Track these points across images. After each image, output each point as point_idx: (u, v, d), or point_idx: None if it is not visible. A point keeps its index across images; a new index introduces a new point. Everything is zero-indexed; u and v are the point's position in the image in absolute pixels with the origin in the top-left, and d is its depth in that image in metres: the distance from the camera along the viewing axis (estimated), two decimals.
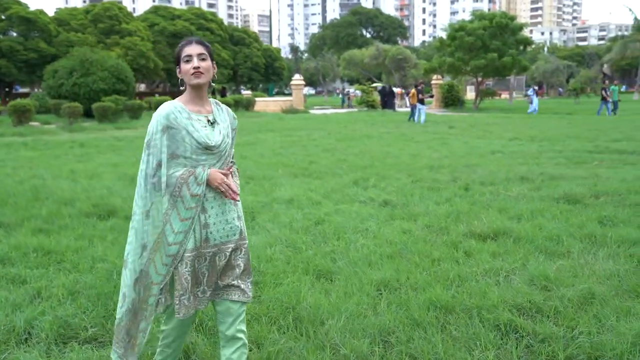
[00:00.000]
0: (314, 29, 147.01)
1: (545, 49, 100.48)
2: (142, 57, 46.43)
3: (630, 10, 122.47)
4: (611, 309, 3.98)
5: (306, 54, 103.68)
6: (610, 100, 30.99)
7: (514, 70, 39.62)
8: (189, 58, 2.81)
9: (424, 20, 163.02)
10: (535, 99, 34.94)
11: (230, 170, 2.93)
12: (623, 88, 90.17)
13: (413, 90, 27.46)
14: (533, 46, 45.09)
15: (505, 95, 56.75)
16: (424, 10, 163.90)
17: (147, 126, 2.82)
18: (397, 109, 39.63)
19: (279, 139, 17.60)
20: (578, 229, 6.20)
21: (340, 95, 55.19)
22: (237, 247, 2.93)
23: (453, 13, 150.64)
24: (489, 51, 37.19)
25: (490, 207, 7.46)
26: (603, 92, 31.76)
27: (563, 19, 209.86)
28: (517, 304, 4.10)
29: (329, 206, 7.63)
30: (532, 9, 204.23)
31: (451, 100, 40.81)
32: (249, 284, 2.95)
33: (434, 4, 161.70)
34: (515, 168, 10.75)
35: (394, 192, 8.59)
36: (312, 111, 38.62)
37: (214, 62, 2.92)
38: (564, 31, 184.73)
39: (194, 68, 2.79)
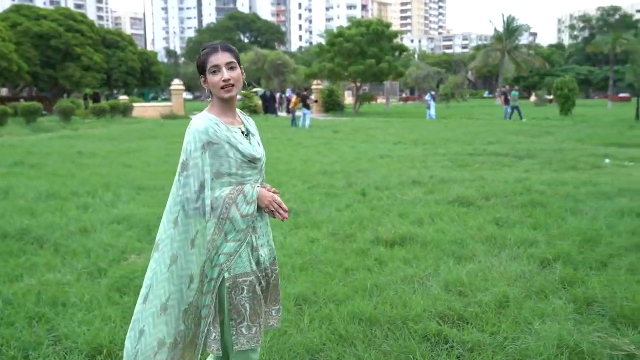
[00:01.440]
0: (190, 33, 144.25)
1: (416, 55, 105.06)
2: (3, 59, 43.18)
3: (490, 21, 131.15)
4: (527, 311, 4.07)
5: (183, 59, 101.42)
6: (511, 105, 31.72)
7: (390, 75, 40.96)
8: (216, 69, 2.52)
9: (300, 26, 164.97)
10: (433, 105, 35.04)
11: (272, 189, 2.71)
12: (485, 94, 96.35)
13: (295, 96, 27.58)
14: (405, 53, 46.72)
15: (381, 100, 58.58)
16: (300, 16, 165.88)
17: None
18: (279, 113, 39.72)
19: (163, 146, 16.93)
20: (478, 231, 6.38)
21: None
22: (276, 268, 2.79)
23: (328, 19, 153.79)
24: (366, 57, 38.20)
25: (390, 211, 7.53)
26: (504, 97, 33.14)
27: (430, 28, 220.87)
28: (440, 312, 4.08)
29: None
30: (402, 18, 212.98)
31: (331, 105, 41.46)
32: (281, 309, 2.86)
33: (310, 11, 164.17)
34: (405, 172, 10.99)
35: (293, 199, 8.46)
36: (192, 116, 37.68)
37: (241, 66, 2.62)
38: (431, 39, 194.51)
39: (224, 81, 2.51)
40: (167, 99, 45.72)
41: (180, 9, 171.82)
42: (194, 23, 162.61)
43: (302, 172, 11.23)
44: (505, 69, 63.24)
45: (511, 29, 64.74)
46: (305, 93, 26.77)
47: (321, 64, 40.43)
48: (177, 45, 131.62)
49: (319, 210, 7.64)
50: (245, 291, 2.54)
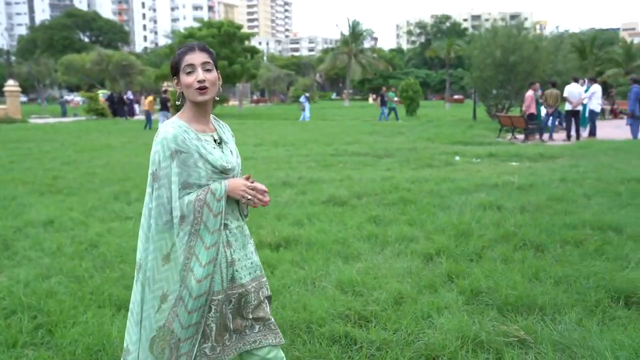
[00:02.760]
0: (21, 30, 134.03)
1: (265, 57, 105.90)
2: None
3: (337, 25, 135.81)
4: (423, 306, 4.18)
5: (14, 57, 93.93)
6: (388, 106, 32.15)
7: (243, 77, 40.85)
8: (191, 69, 2.34)
9: (144, 26, 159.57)
10: (308, 106, 34.74)
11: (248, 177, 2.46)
12: (333, 95, 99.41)
13: (150, 98, 26.57)
14: (257, 55, 46.90)
15: (233, 102, 58.24)
16: (144, 15, 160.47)
17: None
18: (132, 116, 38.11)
19: (4, 152, 15.51)
20: (358, 230, 6.49)
21: (60, 104, 50.92)
22: (260, 286, 2.53)
23: (174, 20, 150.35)
24: (219, 59, 37.64)
25: (267, 214, 7.44)
26: (380, 98, 33.59)
27: (277, 31, 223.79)
28: (341, 313, 4.08)
29: (98, 226, 6.86)
30: (249, 20, 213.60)
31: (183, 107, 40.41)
32: (275, 325, 2.60)
33: (154, 10, 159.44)
34: (273, 173, 10.97)
35: None
36: (32, 120, 35.05)
37: (218, 70, 2.40)
38: (279, 42, 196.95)
39: (199, 82, 2.33)
40: None
41: (8, 3, 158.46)
42: (24, 19, 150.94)
43: None
44: (352, 71, 65.62)
45: (356, 33, 67.35)
46: (165, 96, 25.82)
47: None
48: (6, 43, 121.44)
49: None
50: (212, 310, 2.35)
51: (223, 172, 2.40)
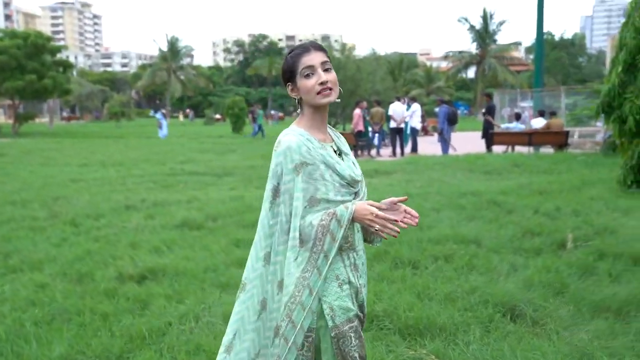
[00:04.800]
0: None
1: (74, 72, 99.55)
2: None
3: (154, 41, 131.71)
4: None
5: None
6: (257, 123, 31.38)
7: (55, 93, 37.85)
8: (310, 70, 2.09)
9: None
10: (165, 123, 32.93)
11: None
12: (151, 113, 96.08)
13: None
14: (70, 69, 43.82)
15: (42, 120, 53.86)
16: None
17: None
18: None
19: None
20: (226, 255, 6.08)
21: None
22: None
23: None
24: (26, 72, 34.59)
25: (119, 242, 6.76)
26: (252, 116, 32.60)
27: (86, 45, 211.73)
28: None
29: None
30: (54, 32, 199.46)
31: None
32: None
33: None
34: (111, 196, 10.10)
35: None
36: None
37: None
38: (88, 56, 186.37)
39: (321, 84, 2.08)
40: None
41: None
42: None
43: None
44: (172, 88, 64.03)
45: (175, 49, 65.93)
46: None
47: None
48: None
49: (31, 248, 6.47)
50: (353, 339, 2.09)
51: (351, 185, 2.18)
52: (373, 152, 20.26)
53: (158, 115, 34.65)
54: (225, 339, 2.16)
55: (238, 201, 9.33)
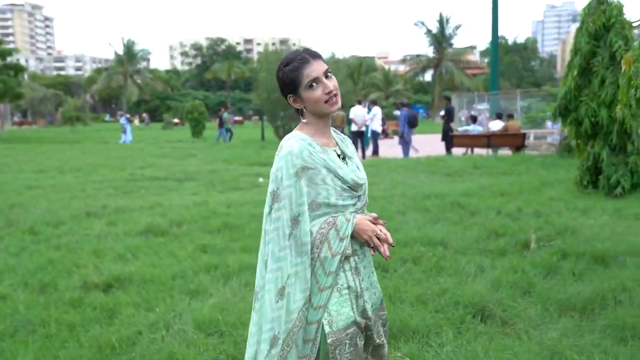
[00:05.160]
0: None
1: (26, 76, 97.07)
2: None
3: (110, 44, 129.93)
4: None
5: None
6: (226, 127, 30.97)
7: (6, 97, 36.84)
8: (315, 81, 2.08)
9: None
10: (129, 128, 32.26)
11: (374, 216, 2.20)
12: (107, 117, 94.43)
13: None
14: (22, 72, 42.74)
15: None
16: None
17: None
18: None
19: None
20: (193, 262, 5.99)
21: None
22: (385, 319, 2.33)
23: None
24: None
25: (81, 250, 6.61)
26: (219, 120, 31.90)
27: (38, 47, 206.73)
28: (215, 359, 3.66)
29: None
30: (3, 35, 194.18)
31: None
32: None
33: None
34: (70, 203, 9.87)
35: None
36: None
37: None
38: (40, 59, 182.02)
39: (328, 93, 2.09)
40: None
41: None
42: None
43: None
44: (129, 92, 63.04)
45: (131, 53, 64.95)
46: None
47: None
48: None
49: None
50: (347, 346, 2.09)
51: (353, 189, 2.18)
52: None
53: (122, 120, 33.99)
54: (248, 352, 2.16)
55: (202, 206, 9.22)
